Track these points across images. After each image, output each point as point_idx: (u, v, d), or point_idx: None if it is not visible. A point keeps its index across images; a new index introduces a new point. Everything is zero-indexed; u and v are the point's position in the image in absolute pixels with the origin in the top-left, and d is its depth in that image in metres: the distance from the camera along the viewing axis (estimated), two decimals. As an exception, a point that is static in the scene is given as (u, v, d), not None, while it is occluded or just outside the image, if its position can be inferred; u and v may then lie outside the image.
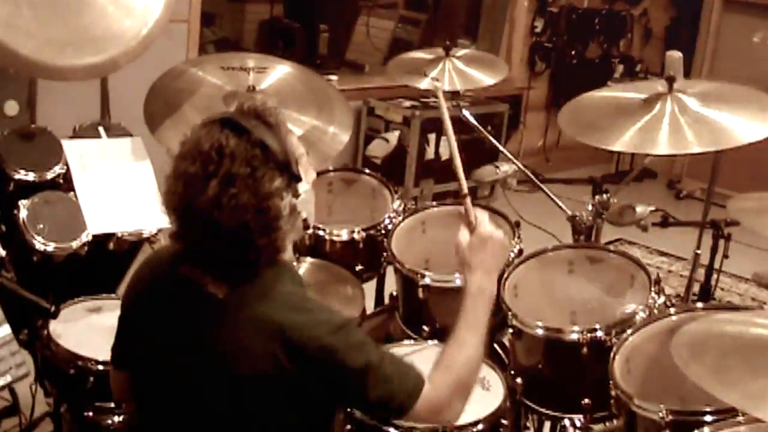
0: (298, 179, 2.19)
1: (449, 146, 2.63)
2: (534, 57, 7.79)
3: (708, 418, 2.43)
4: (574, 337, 2.93)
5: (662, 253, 6.66)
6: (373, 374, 2.15)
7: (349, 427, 2.61)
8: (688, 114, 2.91)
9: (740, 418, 2.34)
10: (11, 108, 4.30)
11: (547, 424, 3.36)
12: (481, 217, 2.46)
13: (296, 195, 2.18)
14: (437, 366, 2.29)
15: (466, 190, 2.53)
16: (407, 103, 6.66)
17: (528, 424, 3.39)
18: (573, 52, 7.95)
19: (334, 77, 6.64)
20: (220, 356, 2.15)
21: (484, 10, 8.03)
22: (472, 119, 3.68)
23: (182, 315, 2.21)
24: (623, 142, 2.87)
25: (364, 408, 2.35)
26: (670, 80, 2.95)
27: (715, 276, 4.03)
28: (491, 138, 3.76)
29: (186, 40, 5.61)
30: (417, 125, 6.47)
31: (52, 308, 2.92)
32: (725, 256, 3.86)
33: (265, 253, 2.16)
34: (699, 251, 4.19)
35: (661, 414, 2.52)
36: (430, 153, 6.56)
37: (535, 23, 7.76)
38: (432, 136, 6.55)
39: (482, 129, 3.74)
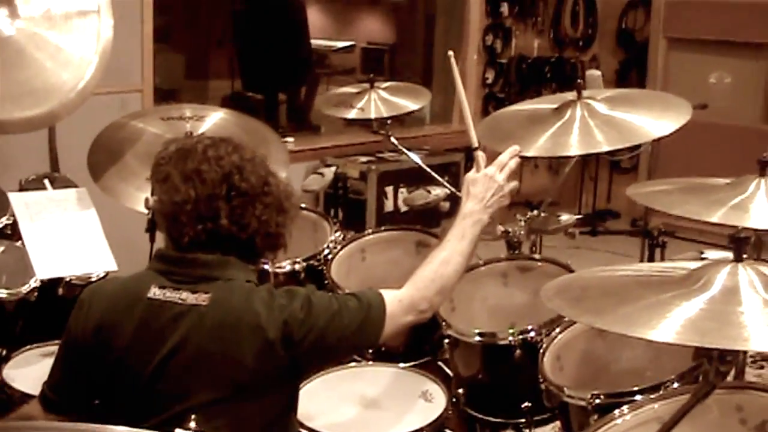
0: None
1: (460, 104, 2.98)
2: (488, 108, 7.92)
3: (638, 397, 2.51)
4: (506, 340, 3.04)
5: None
6: (341, 317, 2.35)
7: None
8: (597, 117, 3.03)
9: (653, 396, 2.45)
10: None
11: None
12: (492, 167, 2.73)
13: None
14: (422, 264, 2.56)
15: (476, 144, 2.85)
16: (363, 159, 6.78)
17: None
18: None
19: (290, 139, 6.76)
20: (217, 365, 2.28)
21: (437, 67, 8.21)
22: (395, 141, 3.81)
23: (162, 336, 2.30)
24: (537, 147, 2.98)
25: (348, 349, 2.56)
26: (578, 87, 3.08)
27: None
28: (423, 166, 3.88)
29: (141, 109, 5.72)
30: (374, 179, 6.59)
31: (3, 353, 3.01)
32: (662, 264, 3.96)
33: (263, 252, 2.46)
34: (643, 266, 4.29)
35: (587, 399, 2.62)
36: (389, 206, 6.65)
37: (486, 75, 7.90)
38: (389, 189, 6.65)
39: (411, 155, 3.86)
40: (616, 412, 2.40)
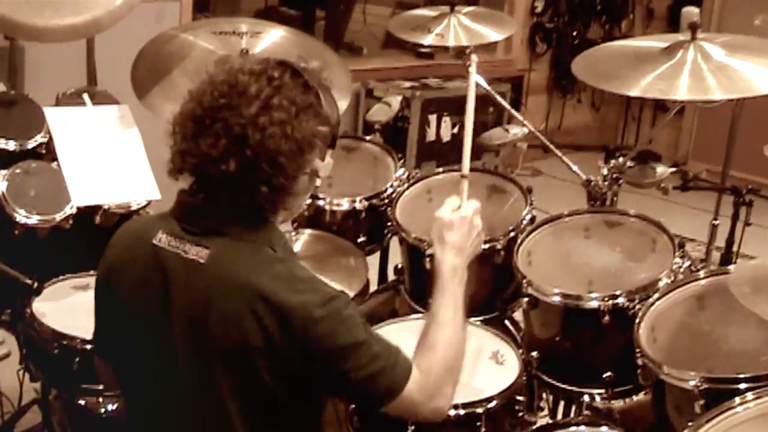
0: (332, 146, 2.16)
1: (467, 122, 2.53)
2: (535, 38, 7.65)
3: (744, 386, 2.25)
4: (594, 304, 2.76)
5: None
6: (360, 353, 2.02)
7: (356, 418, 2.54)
8: (711, 62, 2.73)
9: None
10: (-4, 88, 4.15)
11: (561, 403, 3.22)
12: (471, 204, 2.38)
13: (322, 158, 2.12)
14: (420, 349, 2.17)
15: (466, 172, 2.45)
16: (407, 84, 6.50)
17: (542, 405, 3.23)
18: (574, 33, 7.79)
19: (330, 60, 6.47)
20: (208, 328, 2.01)
21: (483, -7, 7.89)
22: (481, 80, 3.48)
23: (163, 289, 2.06)
24: (641, 87, 2.69)
25: (348, 390, 2.11)
26: (693, 27, 2.77)
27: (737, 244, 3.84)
28: (504, 103, 3.58)
29: (178, 21, 5.46)
30: (417, 105, 6.32)
31: (35, 284, 2.81)
32: (747, 224, 3.68)
33: (274, 200, 2.06)
34: (717, 222, 4.03)
35: (694, 382, 2.34)
36: (431, 135, 6.39)
37: (536, 3, 7.60)
38: (433, 117, 6.39)
39: (494, 93, 3.56)
40: (737, 399, 2.13)
